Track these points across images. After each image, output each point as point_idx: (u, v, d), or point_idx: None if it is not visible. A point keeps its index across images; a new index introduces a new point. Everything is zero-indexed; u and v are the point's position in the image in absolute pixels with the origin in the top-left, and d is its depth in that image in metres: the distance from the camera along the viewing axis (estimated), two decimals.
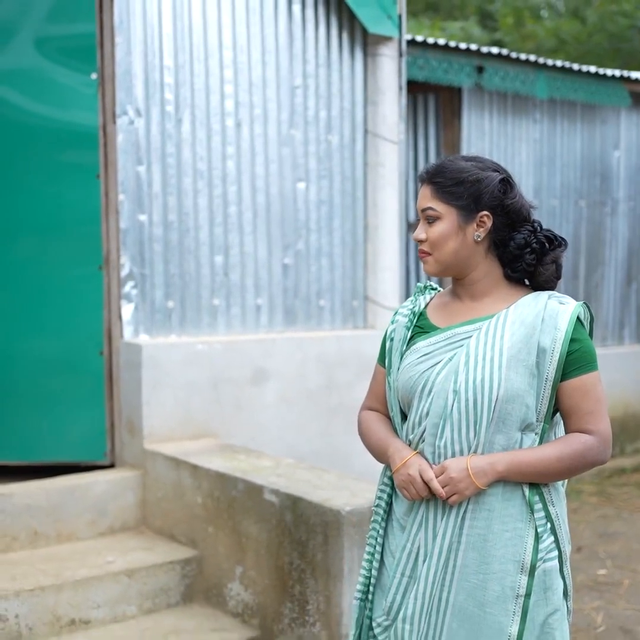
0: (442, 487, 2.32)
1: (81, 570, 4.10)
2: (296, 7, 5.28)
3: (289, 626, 3.88)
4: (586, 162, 8.20)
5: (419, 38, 6.92)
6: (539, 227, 2.44)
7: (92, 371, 4.78)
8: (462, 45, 7.18)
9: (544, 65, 7.61)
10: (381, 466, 2.57)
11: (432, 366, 2.40)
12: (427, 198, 2.42)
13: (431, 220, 2.41)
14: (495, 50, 7.38)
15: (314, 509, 3.76)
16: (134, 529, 4.65)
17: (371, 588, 2.53)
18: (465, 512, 2.35)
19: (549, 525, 2.38)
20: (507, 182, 2.41)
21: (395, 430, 2.54)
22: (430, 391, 2.39)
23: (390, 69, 5.52)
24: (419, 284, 2.66)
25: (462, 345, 2.39)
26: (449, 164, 2.43)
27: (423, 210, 2.42)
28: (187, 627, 4.05)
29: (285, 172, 5.30)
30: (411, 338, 2.50)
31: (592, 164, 8.24)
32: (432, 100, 7.57)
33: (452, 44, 7.12)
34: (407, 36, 6.76)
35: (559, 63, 7.74)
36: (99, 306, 4.77)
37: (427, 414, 2.39)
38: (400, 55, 5.56)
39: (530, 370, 2.33)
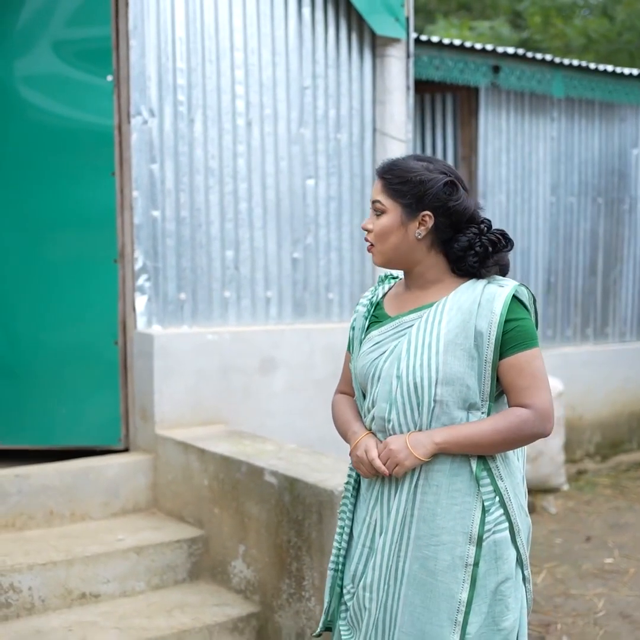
0: (385, 462, 2.51)
1: (92, 547, 4.31)
2: (306, 10, 5.47)
3: (287, 601, 4.07)
4: (604, 160, 8.30)
5: (435, 38, 7.07)
6: (486, 228, 2.56)
7: (107, 360, 5.00)
8: (478, 46, 7.33)
9: (560, 65, 7.73)
10: None
11: (380, 355, 2.59)
12: (377, 191, 2.59)
13: (378, 213, 2.58)
14: (511, 50, 7.51)
15: (310, 489, 3.95)
16: (146, 510, 4.86)
17: (342, 559, 2.73)
18: (416, 487, 2.53)
19: (497, 498, 2.52)
20: (452, 185, 2.53)
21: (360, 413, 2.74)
22: (378, 378, 2.58)
23: (398, 69, 5.69)
24: (380, 274, 2.84)
25: (405, 334, 2.56)
26: (399, 162, 2.58)
27: (373, 202, 2.60)
28: (192, 602, 4.26)
29: (294, 170, 5.50)
30: (368, 327, 2.69)
31: (610, 162, 8.34)
32: (450, 99, 7.72)
33: (468, 44, 7.27)
34: (423, 37, 6.93)
35: (575, 62, 7.86)
36: (114, 298, 4.98)
37: (377, 398, 2.58)
38: (408, 56, 5.73)
39: (469, 353, 2.47)
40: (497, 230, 2.58)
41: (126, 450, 5.06)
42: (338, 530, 2.76)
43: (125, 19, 4.90)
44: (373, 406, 2.60)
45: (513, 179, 7.75)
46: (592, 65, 7.95)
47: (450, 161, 7.72)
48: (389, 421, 2.55)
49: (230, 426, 5.11)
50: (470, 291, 2.53)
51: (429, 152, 7.82)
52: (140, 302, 4.98)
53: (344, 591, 2.72)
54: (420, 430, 2.52)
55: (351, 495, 2.73)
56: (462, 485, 2.51)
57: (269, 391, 5.31)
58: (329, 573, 2.77)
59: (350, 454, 2.65)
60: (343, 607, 2.73)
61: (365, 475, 2.60)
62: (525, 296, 2.54)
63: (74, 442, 5.03)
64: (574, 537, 6.25)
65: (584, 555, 5.87)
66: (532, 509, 6.74)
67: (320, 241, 5.61)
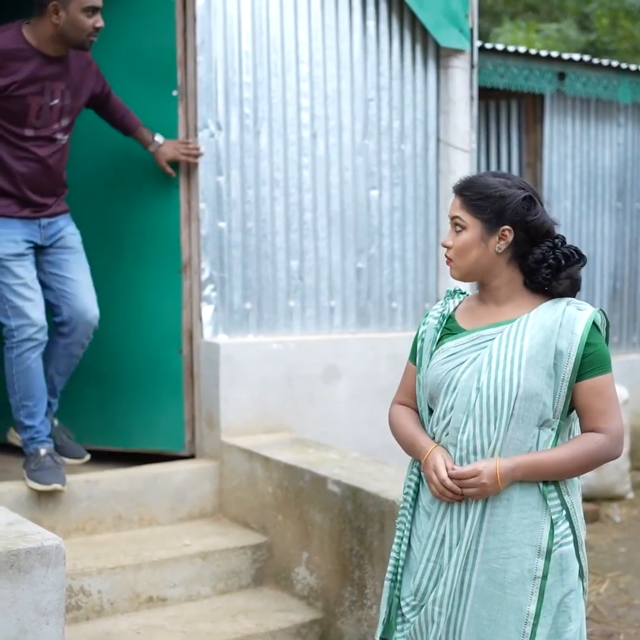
0: (472, 488, 2.54)
1: (159, 552, 4.42)
2: (370, 23, 5.53)
3: (349, 609, 4.13)
4: None
5: (499, 46, 7.09)
6: (560, 243, 2.63)
7: (172, 368, 5.08)
8: (543, 52, 7.33)
9: (627, 70, 7.69)
10: None
11: (457, 365, 2.64)
12: (456, 208, 2.66)
13: (459, 229, 2.64)
14: (576, 56, 7.49)
15: (372, 499, 4.01)
16: (211, 516, 4.94)
17: (400, 569, 2.77)
18: (486, 501, 2.58)
19: (564, 512, 2.59)
20: (530, 200, 2.61)
21: (422, 423, 2.80)
22: (454, 388, 2.63)
23: (462, 80, 5.74)
24: (448, 288, 2.89)
25: (485, 347, 2.61)
26: (477, 179, 2.66)
27: (452, 218, 2.66)
28: (255, 608, 4.34)
29: (359, 180, 5.56)
30: (440, 339, 2.73)
31: None
32: (515, 106, 7.72)
33: (533, 51, 7.28)
34: (488, 45, 6.95)
35: None
36: (178, 307, 5.06)
37: (451, 408, 2.63)
38: (472, 66, 5.77)
39: (548, 371, 2.54)
40: (571, 245, 2.65)
41: (192, 456, 5.15)
42: (396, 540, 2.80)
43: (193, 34, 4.99)
44: (444, 417, 2.65)
45: (579, 185, 7.72)
46: None
47: (515, 168, 7.72)
48: (463, 432, 2.59)
49: (294, 434, 5.18)
50: (551, 311, 2.60)
51: (493, 159, 7.84)
52: (207, 311, 5.07)
53: (402, 603, 2.76)
54: (494, 444, 2.57)
55: (410, 506, 2.78)
56: (532, 499, 2.57)
57: (332, 399, 5.38)
58: (386, 583, 2.82)
59: (422, 469, 2.70)
60: (400, 619, 2.77)
61: (435, 494, 2.64)
62: (599, 322, 2.61)
63: (142, 445, 5.13)
64: (639, 546, 6.21)
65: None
66: (596, 517, 6.72)
67: (384, 251, 5.67)
